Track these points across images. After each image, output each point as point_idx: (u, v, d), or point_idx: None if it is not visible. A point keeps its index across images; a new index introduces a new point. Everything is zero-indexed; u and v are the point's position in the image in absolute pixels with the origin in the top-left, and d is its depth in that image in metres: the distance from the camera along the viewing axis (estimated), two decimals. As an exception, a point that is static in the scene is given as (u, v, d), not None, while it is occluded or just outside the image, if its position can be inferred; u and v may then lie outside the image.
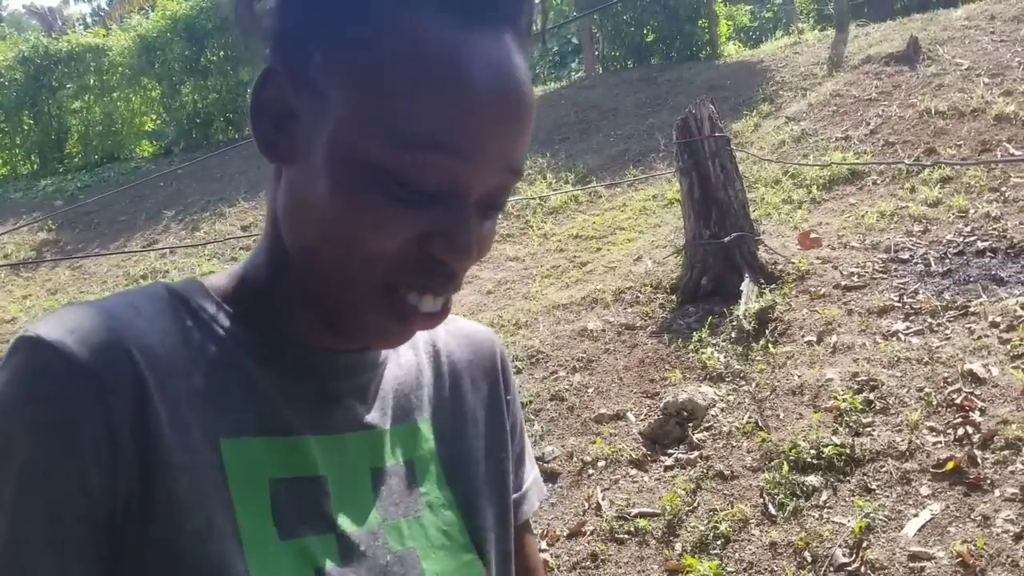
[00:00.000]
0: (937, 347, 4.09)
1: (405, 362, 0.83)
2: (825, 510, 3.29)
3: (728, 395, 4.20)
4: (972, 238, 5.29)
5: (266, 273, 0.74)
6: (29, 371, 0.61)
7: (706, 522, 3.38)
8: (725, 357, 4.51)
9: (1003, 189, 5.87)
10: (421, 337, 0.86)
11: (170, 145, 13.30)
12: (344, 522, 0.72)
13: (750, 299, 4.88)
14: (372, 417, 0.77)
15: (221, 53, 12.66)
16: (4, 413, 0.60)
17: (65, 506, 0.60)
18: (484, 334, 0.92)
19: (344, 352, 0.76)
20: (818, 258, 5.31)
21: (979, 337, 4.09)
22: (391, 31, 0.63)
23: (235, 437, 0.68)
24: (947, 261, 5.06)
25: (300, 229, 0.69)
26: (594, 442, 4.09)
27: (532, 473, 0.94)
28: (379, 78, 0.63)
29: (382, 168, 0.63)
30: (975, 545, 2.91)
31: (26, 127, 13.48)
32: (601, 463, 3.95)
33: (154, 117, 13.85)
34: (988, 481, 3.20)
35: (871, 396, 3.82)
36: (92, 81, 13.21)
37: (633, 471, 3.88)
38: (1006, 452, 3.30)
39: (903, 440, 3.51)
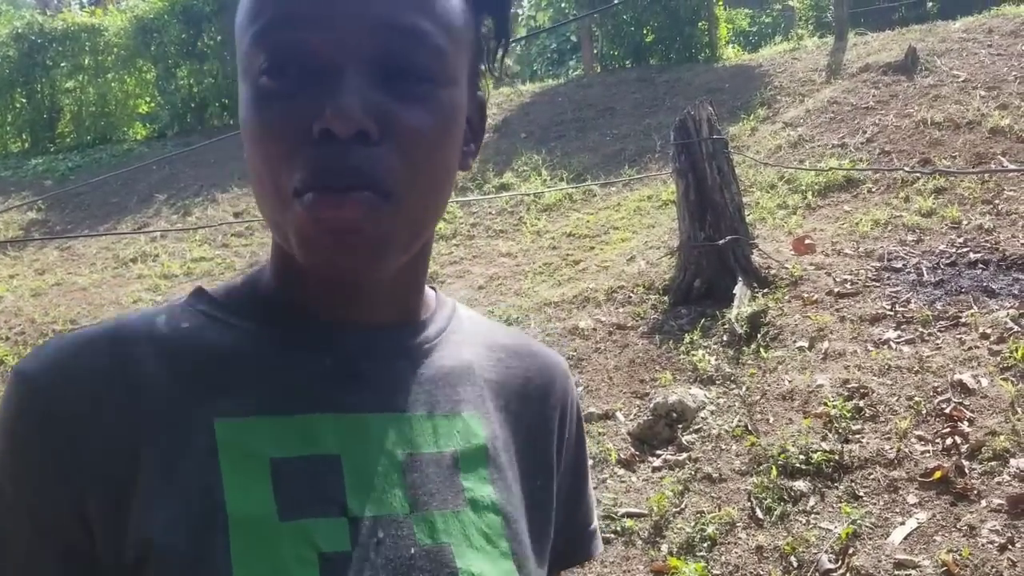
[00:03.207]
0: (928, 356, 4.10)
1: (459, 355, 0.79)
2: (812, 515, 3.29)
3: (718, 398, 4.20)
4: (965, 249, 5.31)
5: (274, 261, 0.74)
6: (3, 402, 0.66)
7: (693, 524, 3.37)
8: (716, 360, 4.51)
9: (996, 201, 5.90)
10: (482, 339, 0.82)
11: (164, 129, 13.22)
12: (359, 506, 0.67)
13: (743, 303, 4.88)
14: (404, 401, 0.72)
15: (218, 37, 12.58)
16: None
17: (12, 536, 0.65)
18: (555, 360, 0.87)
19: (365, 330, 0.73)
20: (811, 264, 5.32)
21: (969, 348, 4.11)
22: None
23: (231, 419, 0.66)
24: (939, 271, 5.07)
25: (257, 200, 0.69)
26: (582, 440, 4.08)
27: (589, 520, 0.88)
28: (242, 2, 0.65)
29: (250, 69, 0.63)
30: (960, 554, 2.92)
31: (18, 105, 13.38)
32: (589, 462, 3.94)
33: (148, 100, 13.76)
34: (975, 491, 3.21)
35: (861, 403, 3.83)
36: (87, 61, 13.12)
37: (621, 471, 3.88)
38: (993, 463, 3.31)
39: (892, 448, 3.51)
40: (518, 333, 0.89)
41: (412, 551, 0.67)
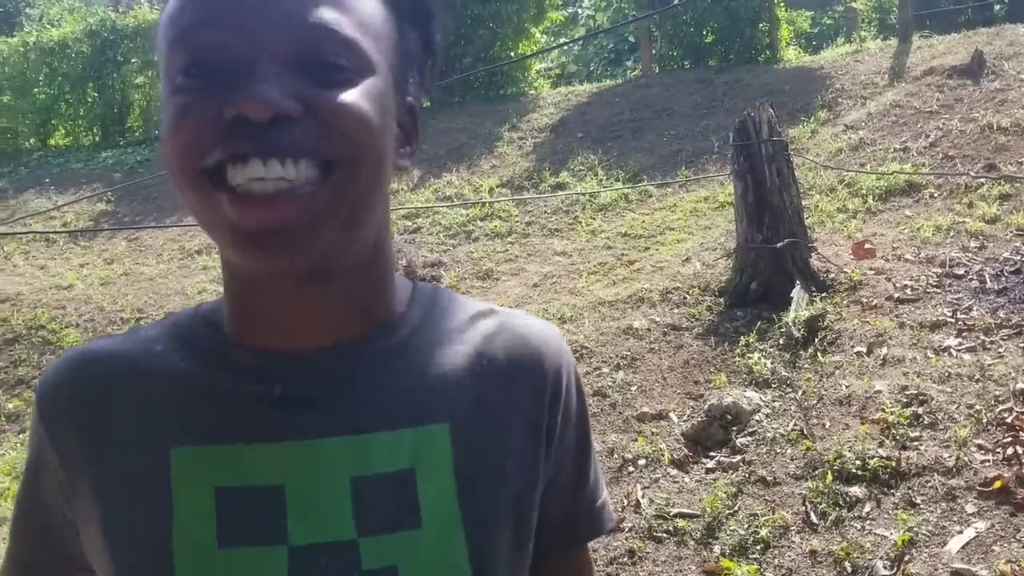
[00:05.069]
0: (989, 365, 4.05)
1: (432, 355, 0.76)
2: (868, 521, 3.28)
3: (774, 401, 4.19)
4: (1030, 257, 5.21)
5: (225, 286, 0.76)
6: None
7: (746, 526, 3.38)
8: (772, 363, 4.50)
9: (1064, 209, 5.78)
10: (463, 328, 0.79)
11: (229, 124, 13.48)
12: (301, 534, 0.68)
13: (800, 306, 4.86)
14: (361, 420, 0.71)
15: (282, 35, 12.79)
16: None
17: (28, 508, 0.81)
18: (542, 336, 0.82)
19: (321, 351, 0.73)
20: (871, 269, 5.27)
21: (1033, 357, 4.04)
22: None
23: (184, 447, 0.70)
24: (1003, 279, 4.99)
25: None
26: (635, 440, 4.11)
27: (596, 496, 0.87)
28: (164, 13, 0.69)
29: (169, 71, 0.66)
30: (1019, 566, 2.89)
31: (90, 99, 13.75)
32: (642, 461, 3.97)
33: (214, 96, 14.05)
34: (1036, 502, 3.17)
35: (919, 410, 3.80)
36: (156, 57, 13.43)
37: (674, 471, 3.89)
38: (1056, 475, 3.27)
39: (950, 456, 3.48)
40: (507, 312, 0.83)
41: None
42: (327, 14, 0.64)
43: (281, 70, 0.62)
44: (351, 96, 0.65)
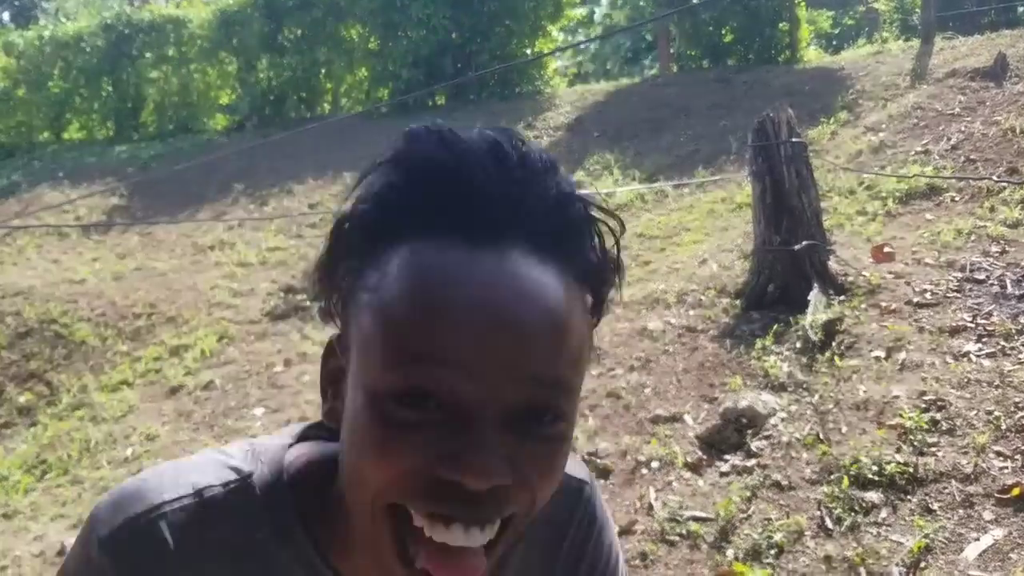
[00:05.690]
0: (1009, 371, 3.98)
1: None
2: (883, 527, 3.22)
3: (790, 405, 4.14)
4: (1052, 262, 5.13)
5: (337, 502, 0.74)
6: (80, 548, 0.74)
7: (760, 531, 3.33)
8: (788, 366, 4.44)
9: (1088, 214, 5.69)
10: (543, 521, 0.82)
11: (243, 120, 13.52)
12: None
13: (818, 309, 4.79)
14: None
15: (299, 31, 12.83)
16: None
17: None
18: (564, 514, 0.88)
19: None
20: (890, 272, 5.19)
21: (1055, 364, 3.97)
22: (391, 270, 0.64)
23: None
24: (1024, 284, 4.91)
25: (345, 483, 0.69)
26: (649, 442, 4.06)
27: None
28: (376, 315, 0.63)
29: (379, 392, 0.62)
30: (1040, 576, 2.83)
31: (104, 93, 13.83)
32: (655, 463, 3.92)
33: (229, 91, 14.09)
34: (1057, 512, 3.10)
35: (938, 416, 3.73)
36: (171, 52, 13.50)
37: (687, 474, 3.85)
38: (1078, 484, 3.20)
39: (968, 463, 3.42)
40: (565, 482, 0.84)
41: None
42: (564, 370, 0.64)
43: (499, 426, 0.62)
44: (556, 461, 0.66)
